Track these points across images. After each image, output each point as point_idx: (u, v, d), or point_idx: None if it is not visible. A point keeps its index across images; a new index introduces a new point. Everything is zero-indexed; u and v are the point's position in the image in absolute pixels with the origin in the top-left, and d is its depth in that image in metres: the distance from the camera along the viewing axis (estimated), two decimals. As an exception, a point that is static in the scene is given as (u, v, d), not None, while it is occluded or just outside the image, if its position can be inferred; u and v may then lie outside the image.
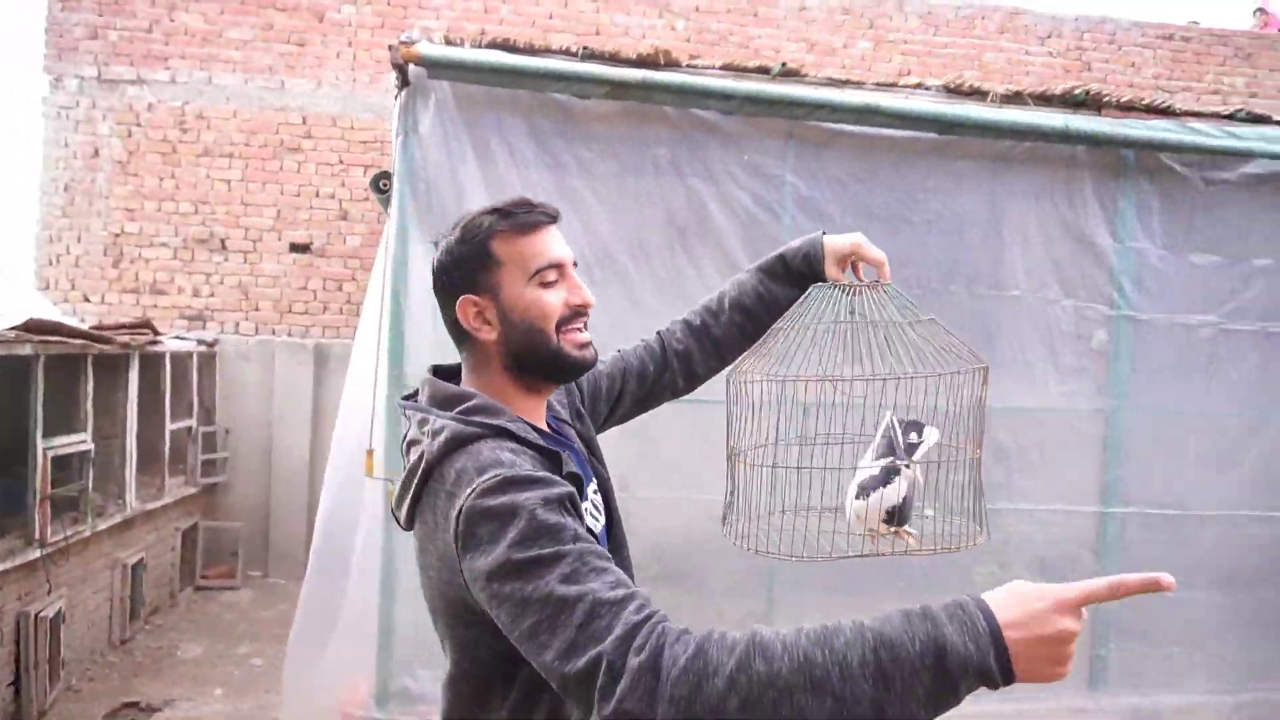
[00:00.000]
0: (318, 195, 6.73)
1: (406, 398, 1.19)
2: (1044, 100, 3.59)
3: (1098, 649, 3.69)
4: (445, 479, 1.01)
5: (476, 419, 1.05)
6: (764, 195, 3.47)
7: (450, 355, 1.25)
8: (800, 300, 1.29)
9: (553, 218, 1.15)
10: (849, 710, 0.78)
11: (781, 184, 3.48)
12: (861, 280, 1.36)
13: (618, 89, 3.19)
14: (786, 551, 1.20)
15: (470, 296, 1.12)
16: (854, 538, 1.22)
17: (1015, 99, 3.52)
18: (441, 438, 1.04)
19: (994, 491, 3.60)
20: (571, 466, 1.08)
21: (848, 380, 1.20)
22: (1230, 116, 3.74)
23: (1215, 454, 3.78)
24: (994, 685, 0.80)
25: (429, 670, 3.01)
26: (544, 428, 1.18)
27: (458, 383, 1.18)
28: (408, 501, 1.07)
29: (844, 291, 1.27)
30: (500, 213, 1.12)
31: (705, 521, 2.89)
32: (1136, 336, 3.71)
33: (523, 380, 1.15)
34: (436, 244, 1.18)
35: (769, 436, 1.25)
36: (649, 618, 0.86)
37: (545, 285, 1.12)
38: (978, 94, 3.51)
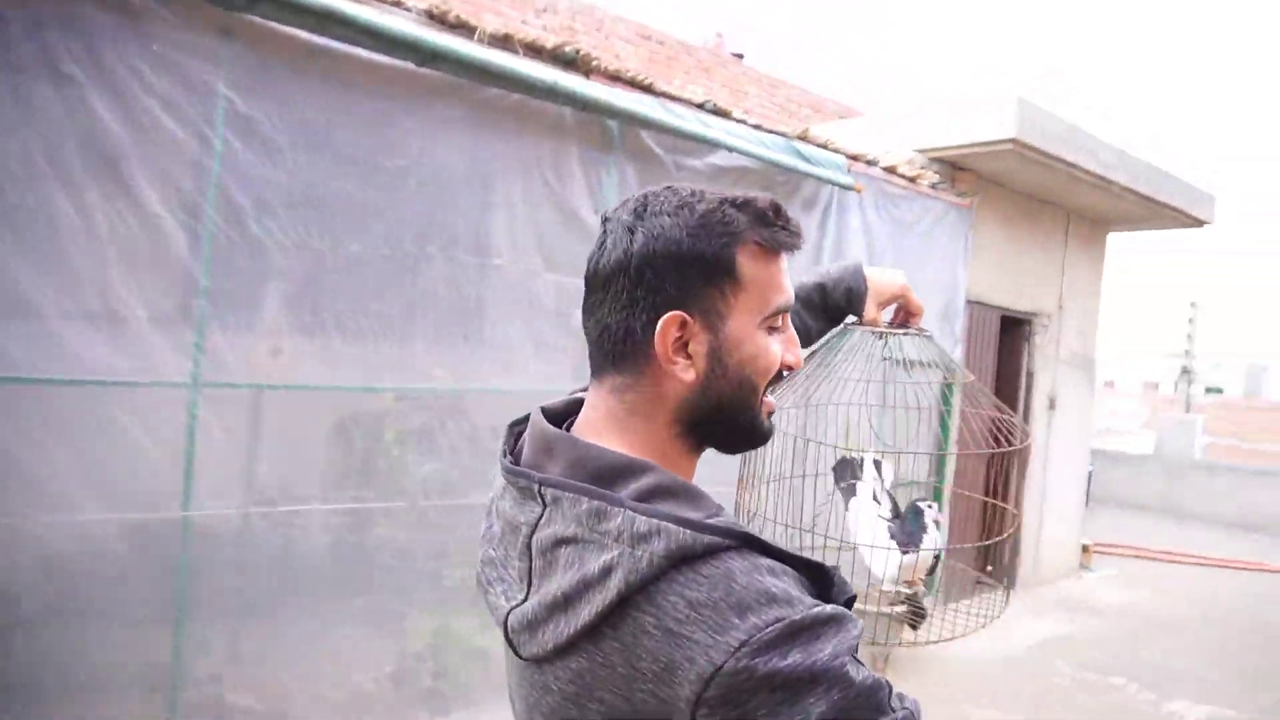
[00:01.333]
0: None
1: (513, 456, 0.85)
2: (534, 51, 3.26)
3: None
4: (666, 611, 0.68)
5: (706, 521, 0.71)
6: (183, 107, 2.56)
7: None
8: (833, 334, 1.22)
9: (800, 245, 0.83)
10: None
11: (211, 95, 2.61)
12: (904, 325, 1.25)
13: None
14: None
15: (681, 314, 0.78)
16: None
17: (505, 43, 3.13)
18: (654, 549, 0.68)
19: (470, 484, 3.21)
20: (849, 590, 0.75)
21: (893, 452, 1.17)
22: (701, 106, 3.85)
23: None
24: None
25: None
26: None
27: (565, 427, 0.84)
28: (574, 630, 0.70)
29: (881, 334, 1.19)
30: (759, 215, 0.79)
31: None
32: (614, 317, 3.62)
33: (691, 440, 0.83)
34: (639, 214, 0.80)
35: (785, 470, 1.16)
36: None
37: (773, 331, 0.82)
38: (465, 28, 3.04)
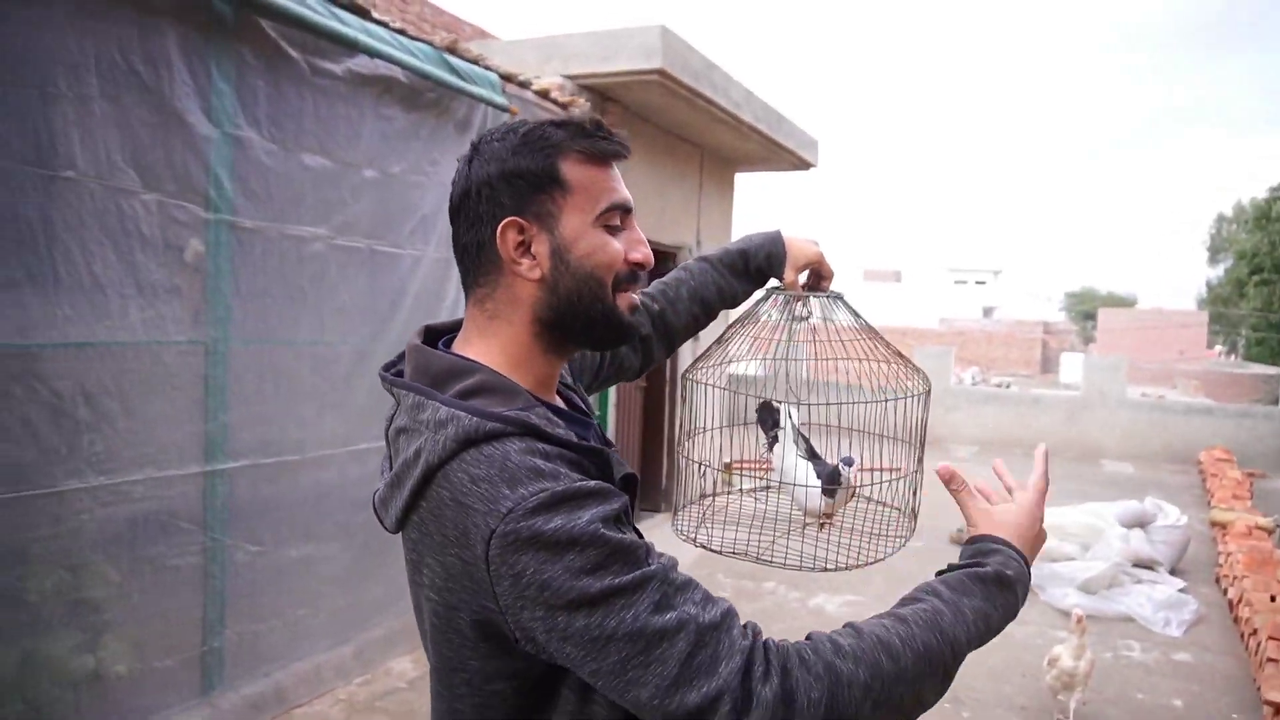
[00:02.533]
0: None
1: (388, 368, 0.97)
2: (105, -105, 2.47)
3: (209, 642, 2.93)
4: (455, 485, 0.80)
5: (493, 410, 0.83)
6: None
7: None
8: (757, 298, 1.32)
9: (628, 153, 0.95)
10: (952, 674, 0.87)
11: None
12: (814, 289, 1.34)
13: None
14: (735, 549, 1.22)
15: (518, 220, 0.89)
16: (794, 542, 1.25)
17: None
18: (448, 433, 0.82)
19: (55, 467, 2.46)
20: (626, 468, 0.93)
21: (808, 405, 1.27)
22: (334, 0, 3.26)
23: (329, 387, 3.37)
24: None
25: None
26: (557, 401, 0.99)
27: (443, 342, 0.97)
28: (401, 504, 0.85)
29: (799, 298, 1.28)
30: (577, 129, 0.91)
31: None
32: (240, 248, 2.97)
33: (552, 337, 0.93)
34: (475, 147, 0.93)
35: (713, 424, 1.28)
36: (755, 638, 0.81)
37: (610, 229, 0.92)
38: None
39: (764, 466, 1.39)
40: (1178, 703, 3.79)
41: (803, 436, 1.34)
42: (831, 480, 1.26)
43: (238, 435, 2.98)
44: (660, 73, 5.09)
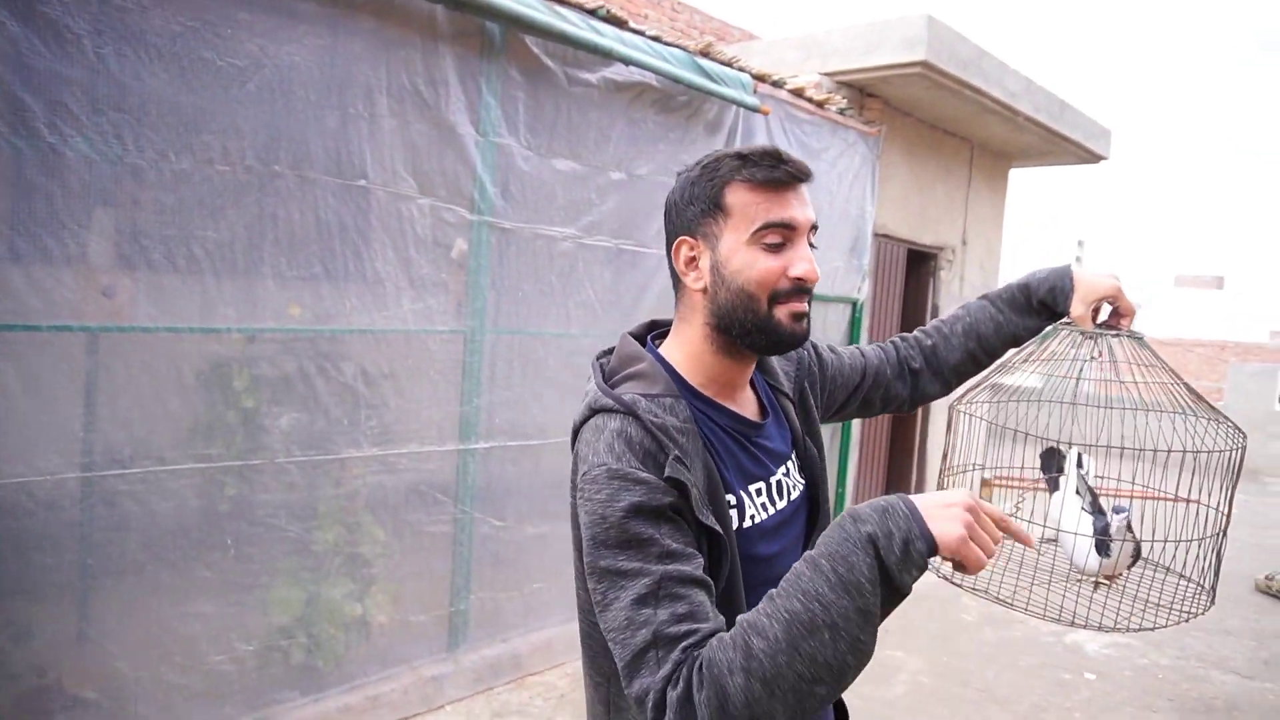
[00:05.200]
0: None
1: (605, 351, 1.16)
2: (396, -64, 2.81)
3: (456, 604, 3.25)
4: (581, 442, 1.01)
5: (615, 393, 1.02)
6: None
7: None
8: (1041, 336, 1.24)
9: (800, 177, 1.03)
10: (845, 627, 0.84)
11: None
12: (1108, 326, 1.24)
13: None
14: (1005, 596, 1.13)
15: (687, 239, 1.07)
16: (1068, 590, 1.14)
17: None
18: (585, 404, 1.04)
19: (340, 437, 2.83)
20: (679, 473, 0.96)
21: (1089, 446, 1.18)
22: (593, 12, 3.46)
23: (571, 377, 3.59)
24: (927, 548, 0.86)
25: None
26: (743, 404, 1.12)
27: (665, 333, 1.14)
28: (571, 445, 1.07)
29: (1089, 335, 1.19)
30: (744, 159, 1.03)
31: None
32: (498, 246, 3.25)
33: (722, 340, 1.06)
34: (678, 174, 1.11)
35: (980, 461, 1.24)
36: (689, 653, 0.88)
37: (767, 247, 1.02)
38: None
39: (1031, 486, 1.32)
40: None
41: (1089, 488, 1.26)
42: (1105, 532, 1.16)
43: (489, 418, 3.27)
44: (923, 64, 4.84)
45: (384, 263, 2.91)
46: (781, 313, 1.03)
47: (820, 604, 0.84)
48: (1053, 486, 1.27)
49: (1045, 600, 1.13)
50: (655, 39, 3.73)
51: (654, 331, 1.17)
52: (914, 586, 0.87)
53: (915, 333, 1.43)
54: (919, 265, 6.39)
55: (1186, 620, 1.08)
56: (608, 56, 3.44)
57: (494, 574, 3.36)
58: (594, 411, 1.02)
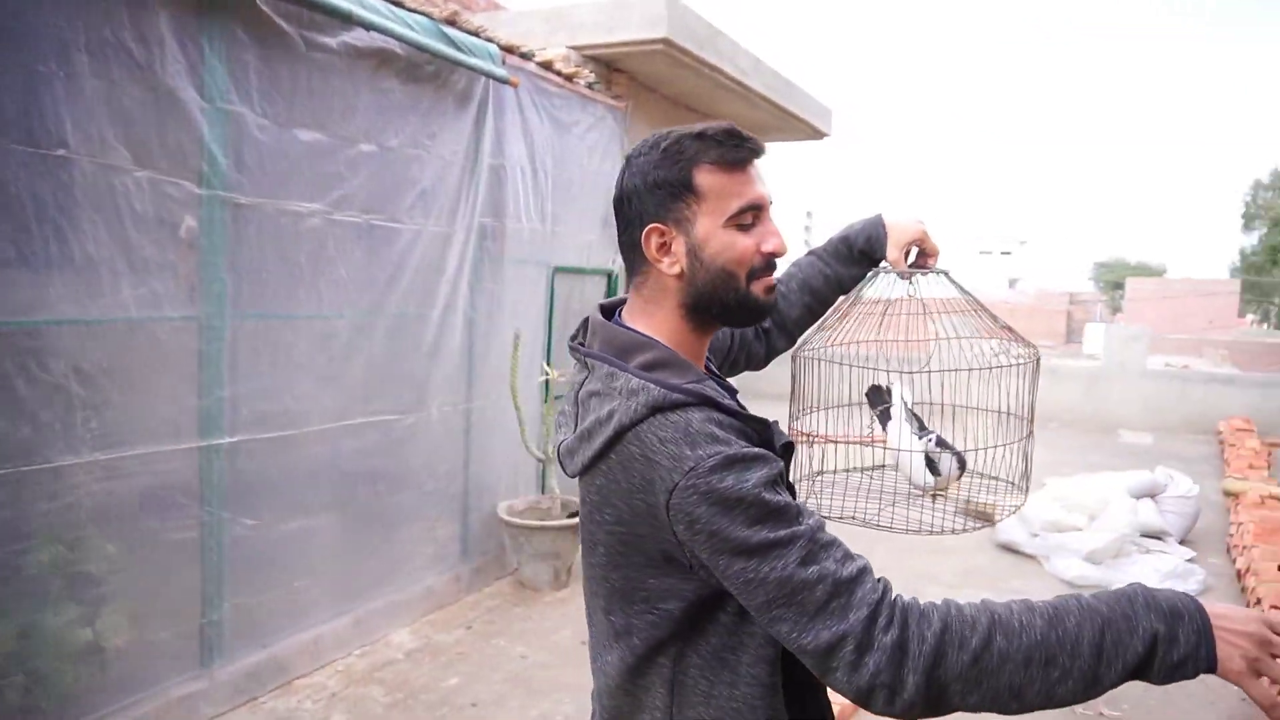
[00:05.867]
0: None
1: (573, 338, 1.15)
2: None
3: (209, 614, 2.99)
4: (645, 444, 0.97)
5: (674, 382, 1.01)
6: None
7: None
8: (864, 281, 1.38)
9: (760, 153, 1.09)
10: (1075, 683, 0.89)
11: None
12: (919, 266, 1.39)
13: None
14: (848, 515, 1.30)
15: (658, 225, 1.07)
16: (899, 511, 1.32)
17: None
18: (639, 400, 0.99)
19: (51, 443, 2.50)
20: (785, 437, 1.08)
21: (916, 372, 1.32)
22: (328, -29, 3.23)
23: (326, 361, 3.39)
24: (1204, 669, 0.89)
25: None
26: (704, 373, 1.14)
27: (618, 314, 1.14)
28: (589, 455, 1.03)
29: (904, 275, 1.33)
30: (709, 139, 1.05)
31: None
32: (235, 224, 2.98)
33: (697, 319, 1.11)
34: (628, 159, 1.10)
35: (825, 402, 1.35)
36: (884, 593, 0.93)
37: (742, 228, 1.07)
38: None
39: (868, 441, 1.46)
40: (1179, 677, 3.77)
41: (914, 415, 1.41)
42: (939, 450, 1.32)
43: (234, 410, 3.02)
44: (665, 41, 5.03)
45: (96, 244, 2.57)
46: (758, 288, 1.08)
47: (1071, 653, 0.89)
48: (884, 418, 1.42)
49: (906, 518, 1.29)
50: (396, 3, 3.57)
51: (613, 314, 1.16)
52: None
53: None
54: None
55: (1012, 514, 1.28)
56: (346, 20, 3.25)
57: (251, 577, 3.12)
58: (657, 409, 0.98)
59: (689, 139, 1.05)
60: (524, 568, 4.46)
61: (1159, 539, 5.48)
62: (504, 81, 4.20)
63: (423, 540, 4.00)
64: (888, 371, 1.34)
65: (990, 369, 1.23)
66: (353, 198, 3.42)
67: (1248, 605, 4.48)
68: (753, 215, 1.07)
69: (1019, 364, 1.24)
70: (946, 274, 1.33)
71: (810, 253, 1.52)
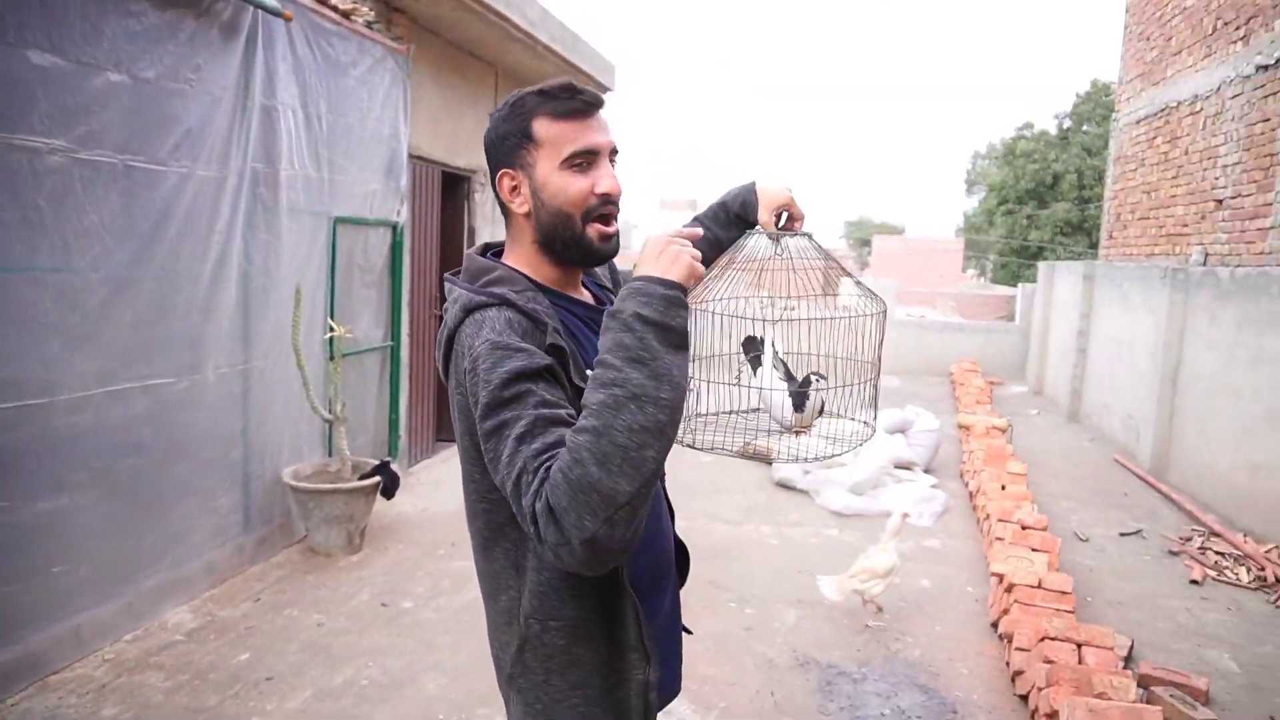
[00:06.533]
0: None
1: (453, 273, 1.27)
2: None
3: (-56, 610, 2.61)
4: (460, 343, 1.14)
5: (488, 290, 1.16)
6: None
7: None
8: (739, 241, 1.48)
9: (596, 105, 1.20)
10: (646, 393, 0.98)
11: None
12: (787, 229, 1.52)
13: None
14: (712, 445, 1.40)
15: (508, 171, 1.22)
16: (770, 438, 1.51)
17: None
18: (458, 306, 1.17)
19: None
20: (558, 340, 1.14)
21: (781, 321, 1.45)
22: None
23: (79, 320, 3.02)
24: (676, 287, 1.06)
25: None
26: (583, 296, 1.31)
27: (500, 253, 1.30)
28: (440, 360, 1.21)
29: (773, 237, 1.45)
30: (545, 94, 1.18)
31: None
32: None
33: (553, 255, 1.23)
34: (490, 116, 1.24)
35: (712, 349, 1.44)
36: (542, 467, 1.00)
37: (575, 170, 1.18)
38: None
39: (735, 383, 1.55)
40: (925, 583, 4.31)
41: (782, 362, 1.55)
42: (799, 393, 1.49)
43: (-33, 377, 2.62)
44: (450, -17, 4.84)
45: None
46: (593, 231, 1.20)
47: (618, 385, 0.98)
48: (755, 365, 1.56)
49: (755, 446, 1.45)
50: (148, -83, 3.17)
51: (490, 252, 1.30)
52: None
53: None
54: (454, 188, 6.50)
55: (859, 448, 1.48)
56: (88, -70, 2.85)
57: (-4, 565, 2.76)
58: (468, 311, 1.13)
59: (530, 94, 1.19)
60: (314, 533, 4.26)
61: (909, 469, 6.19)
62: (275, 13, 3.88)
63: (201, 512, 3.70)
64: (752, 320, 1.46)
65: (847, 318, 1.39)
66: (103, 134, 3.03)
67: (979, 521, 5.20)
68: (586, 159, 1.18)
69: (870, 315, 1.40)
70: (809, 236, 1.47)
71: (695, 217, 1.67)
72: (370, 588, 3.92)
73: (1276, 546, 4.86)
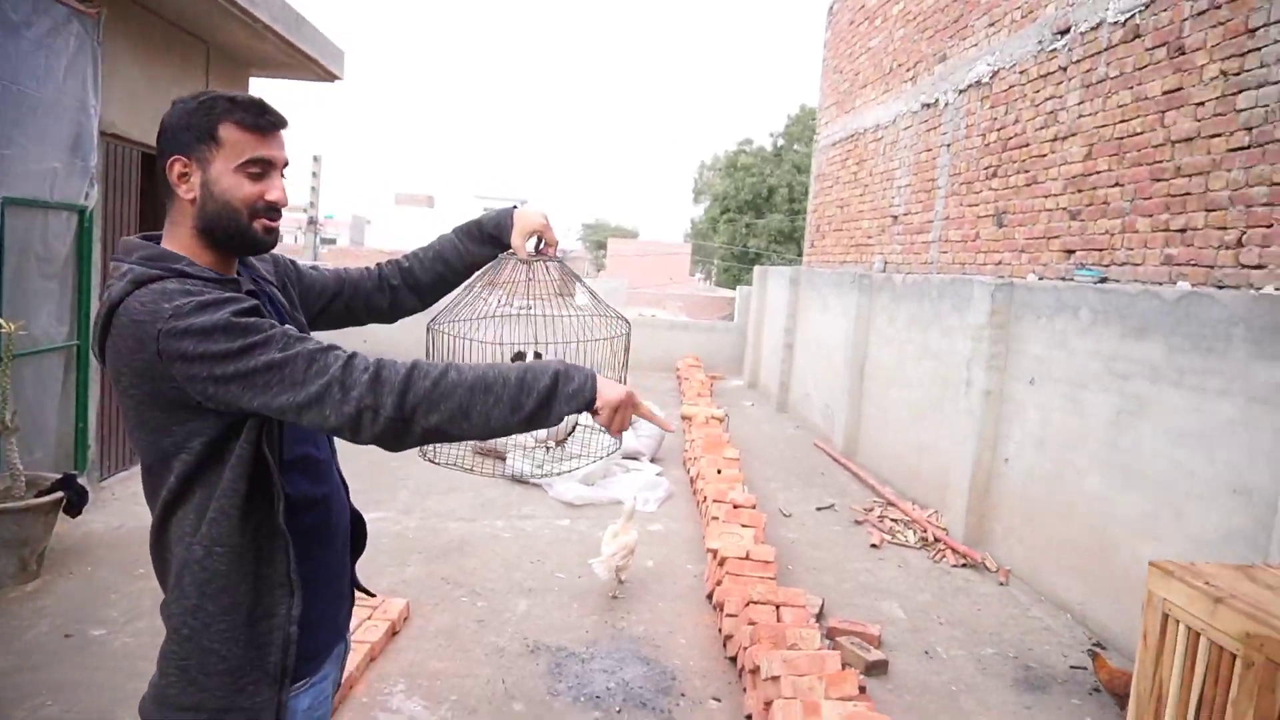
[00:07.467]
0: None
1: (115, 256, 1.30)
2: None
3: None
4: (130, 311, 1.17)
5: (158, 264, 1.24)
6: None
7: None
8: (493, 263, 1.67)
9: (281, 125, 1.33)
10: (502, 405, 1.20)
11: None
12: (539, 254, 1.65)
13: None
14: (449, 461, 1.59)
15: (180, 157, 1.28)
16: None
17: None
18: (126, 280, 1.20)
19: None
20: (249, 286, 1.33)
21: (531, 345, 1.65)
22: None
23: None
24: (591, 400, 1.26)
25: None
26: (232, 275, 1.35)
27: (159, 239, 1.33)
28: (96, 335, 1.23)
29: (525, 261, 1.59)
30: (238, 104, 1.28)
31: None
32: None
33: (208, 240, 1.30)
34: (173, 103, 1.30)
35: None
36: (356, 353, 1.20)
37: (250, 176, 1.29)
38: None
39: None
40: (650, 563, 4.61)
41: None
42: (518, 354, 1.54)
43: None
44: (147, -54, 4.39)
45: None
46: (258, 225, 1.31)
47: (502, 384, 1.19)
48: None
49: (494, 467, 1.53)
50: None
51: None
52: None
53: (399, 258, 1.76)
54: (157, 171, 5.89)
55: (602, 459, 1.56)
56: None
57: None
58: (139, 284, 1.18)
59: (224, 99, 1.28)
60: (-21, 561, 3.70)
61: (636, 459, 6.53)
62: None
63: None
64: (499, 345, 1.60)
65: (594, 340, 1.56)
66: None
67: (698, 504, 5.63)
68: (261, 168, 1.30)
69: (616, 336, 1.55)
70: (560, 262, 1.59)
71: (453, 231, 1.76)
72: (51, 618, 3.49)
73: (935, 512, 5.74)
